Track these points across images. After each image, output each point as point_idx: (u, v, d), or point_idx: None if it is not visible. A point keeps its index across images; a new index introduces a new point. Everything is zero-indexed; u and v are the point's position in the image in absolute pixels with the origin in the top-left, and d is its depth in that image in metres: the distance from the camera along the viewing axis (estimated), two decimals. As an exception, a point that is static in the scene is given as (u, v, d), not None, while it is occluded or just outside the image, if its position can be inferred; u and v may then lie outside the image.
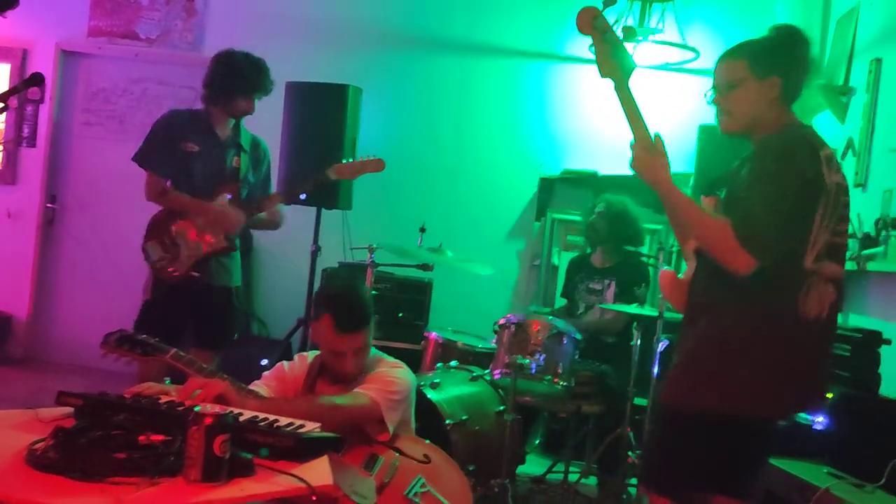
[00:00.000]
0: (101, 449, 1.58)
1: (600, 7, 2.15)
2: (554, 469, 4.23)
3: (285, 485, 1.63)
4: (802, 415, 3.06)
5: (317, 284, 4.80)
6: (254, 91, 3.52)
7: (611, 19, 2.19)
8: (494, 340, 3.84)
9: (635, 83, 2.21)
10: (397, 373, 2.51)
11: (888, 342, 3.30)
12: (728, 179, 2.26)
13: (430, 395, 3.33)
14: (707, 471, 2.14)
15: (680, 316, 2.41)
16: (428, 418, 3.12)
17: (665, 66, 5.22)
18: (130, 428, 1.68)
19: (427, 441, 2.58)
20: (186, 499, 1.52)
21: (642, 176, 2.17)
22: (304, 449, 1.77)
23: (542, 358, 3.55)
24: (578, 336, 3.74)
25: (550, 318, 3.78)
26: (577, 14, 2.14)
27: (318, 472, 1.72)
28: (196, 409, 1.62)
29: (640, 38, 4.97)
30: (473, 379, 3.62)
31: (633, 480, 3.67)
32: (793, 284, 2.07)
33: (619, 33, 2.19)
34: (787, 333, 2.09)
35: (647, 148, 2.15)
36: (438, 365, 3.82)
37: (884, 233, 3.61)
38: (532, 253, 5.61)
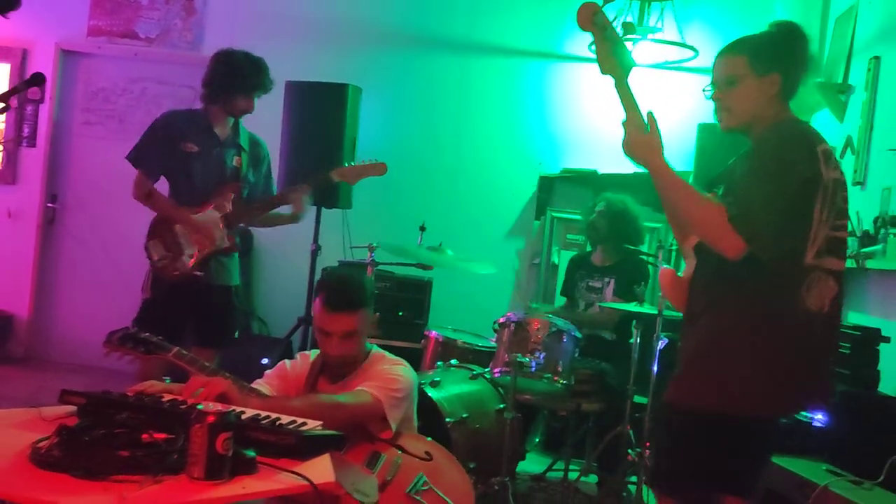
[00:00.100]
0: (104, 447, 1.59)
1: (600, 3, 2.14)
2: (554, 467, 4.24)
3: (288, 482, 1.64)
4: (802, 412, 3.07)
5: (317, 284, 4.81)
6: (253, 90, 3.52)
7: (610, 15, 2.17)
8: (494, 339, 3.85)
9: (634, 82, 2.20)
10: (399, 370, 2.52)
11: (887, 340, 3.30)
12: (726, 176, 2.25)
13: (431, 393, 3.34)
14: (714, 471, 2.13)
15: (679, 314, 2.41)
16: (428, 416, 3.12)
17: (664, 65, 5.23)
18: (133, 426, 1.69)
19: (429, 438, 2.58)
20: (189, 496, 1.52)
21: (634, 155, 2.14)
22: (307, 447, 1.78)
23: (541, 356, 3.56)
24: (578, 334, 3.75)
25: (550, 316, 3.78)
26: (577, 10, 2.13)
27: (321, 469, 1.73)
28: (199, 407, 1.63)
29: (639, 36, 4.97)
30: (473, 377, 3.63)
31: (633, 478, 3.68)
32: (794, 280, 2.07)
33: (619, 30, 2.16)
34: (790, 330, 2.08)
35: (640, 126, 2.12)
36: (438, 363, 3.83)
37: (883, 231, 3.62)
38: (532, 251, 5.62)
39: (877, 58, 4.07)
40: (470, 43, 5.68)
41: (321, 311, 2.50)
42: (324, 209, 4.90)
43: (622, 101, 2.14)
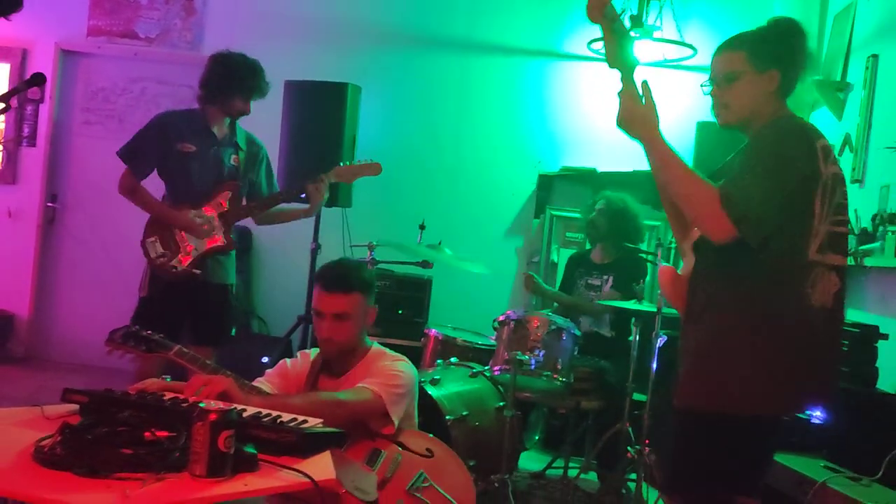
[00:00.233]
0: (107, 445, 1.59)
1: None
2: (553, 465, 4.25)
3: (289, 480, 1.65)
4: (806, 411, 3.05)
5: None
6: (250, 93, 3.53)
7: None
8: (494, 337, 3.86)
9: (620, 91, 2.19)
10: (399, 366, 2.53)
11: (885, 337, 3.32)
12: (723, 172, 2.22)
13: (431, 391, 3.35)
14: (725, 472, 2.11)
15: (677, 312, 2.40)
16: (428, 414, 3.13)
17: (663, 63, 5.24)
18: (136, 424, 1.69)
19: (430, 435, 2.59)
20: (192, 493, 1.53)
21: (628, 127, 2.10)
22: (308, 444, 1.79)
23: (541, 354, 3.58)
24: (577, 332, 3.76)
25: (549, 314, 3.79)
26: (587, 1, 2.06)
27: (322, 467, 1.74)
28: (201, 405, 1.64)
29: (645, 29, 4.97)
30: (473, 375, 3.64)
31: (632, 475, 3.69)
32: (798, 276, 2.05)
33: (626, 23, 2.12)
34: (793, 328, 2.06)
35: (635, 98, 2.08)
36: (438, 361, 3.84)
37: (881, 228, 3.63)
38: (531, 250, 5.63)
39: (875, 56, 4.08)
40: (469, 42, 5.69)
41: (316, 291, 2.55)
42: (323, 208, 4.90)
43: (622, 78, 2.09)
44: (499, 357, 3.69)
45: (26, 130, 5.81)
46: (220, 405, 1.67)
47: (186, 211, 3.51)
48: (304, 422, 1.89)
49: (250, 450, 1.68)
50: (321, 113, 4.82)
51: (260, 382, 2.49)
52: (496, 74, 5.69)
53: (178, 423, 1.69)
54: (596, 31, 5.31)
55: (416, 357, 3.89)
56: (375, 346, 2.65)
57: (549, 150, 5.63)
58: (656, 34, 5.07)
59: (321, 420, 1.92)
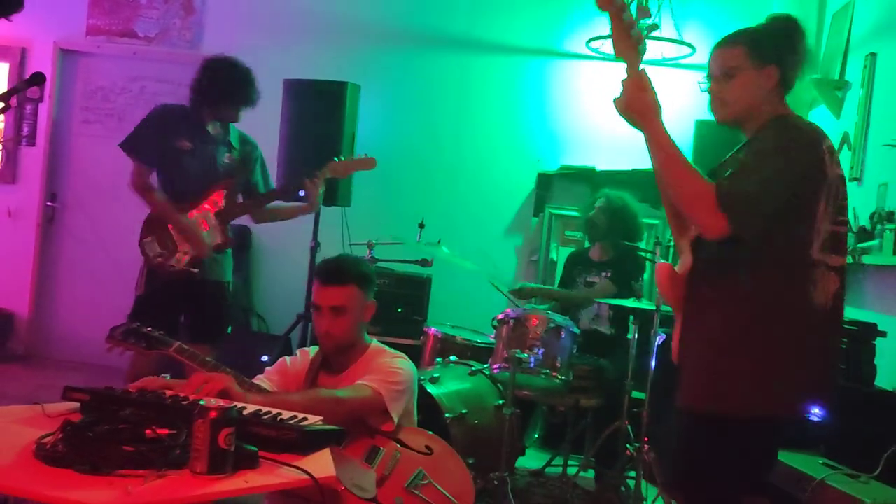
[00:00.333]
0: (108, 442, 1.60)
1: None
2: (553, 462, 4.26)
3: (289, 477, 1.66)
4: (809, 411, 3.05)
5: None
6: (238, 104, 3.54)
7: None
8: (493, 335, 3.87)
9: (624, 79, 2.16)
10: (399, 363, 2.54)
11: (883, 334, 3.32)
12: (720, 170, 2.20)
13: (430, 389, 3.36)
14: (730, 473, 2.09)
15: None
16: (428, 412, 3.14)
17: (661, 62, 5.25)
18: (137, 422, 1.70)
19: (430, 432, 2.60)
20: (192, 490, 1.54)
21: (629, 114, 2.07)
22: (308, 442, 1.80)
23: (540, 352, 3.59)
24: (576, 330, 3.77)
25: (548, 312, 3.80)
26: None
27: (322, 464, 1.75)
28: (201, 402, 1.65)
29: (654, 20, 4.94)
30: (472, 373, 3.65)
31: (632, 473, 3.70)
32: (801, 276, 2.04)
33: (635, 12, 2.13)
34: (798, 327, 2.05)
35: (639, 86, 2.05)
36: (438, 360, 3.86)
37: (879, 226, 3.64)
38: (530, 248, 5.64)
39: (873, 54, 4.09)
40: (469, 40, 5.69)
41: (314, 286, 2.58)
42: (323, 206, 4.91)
43: (628, 67, 2.07)
44: (498, 355, 3.70)
45: (26, 130, 5.81)
46: (221, 403, 1.68)
47: (194, 224, 3.53)
48: (305, 419, 1.90)
49: (252, 448, 1.69)
50: (320, 112, 4.83)
51: (259, 380, 2.50)
52: (495, 73, 5.70)
53: (178, 421, 1.70)
54: (595, 30, 5.35)
55: (415, 355, 3.89)
56: (375, 343, 2.66)
57: (548, 149, 5.63)
58: (655, 33, 5.07)
59: (321, 417, 1.93)
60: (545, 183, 5.54)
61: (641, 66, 2.07)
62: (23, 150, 5.86)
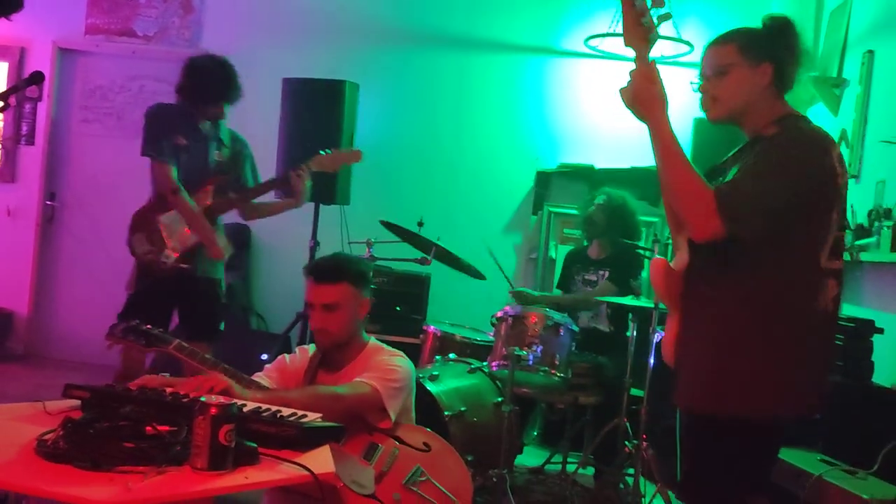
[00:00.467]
0: (109, 439, 1.61)
1: None
2: (552, 460, 4.27)
3: (289, 473, 1.67)
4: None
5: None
6: (220, 100, 3.55)
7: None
8: (492, 333, 3.88)
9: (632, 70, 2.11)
10: (396, 361, 2.54)
11: (881, 331, 3.33)
12: (718, 171, 2.18)
13: (429, 387, 3.36)
14: (736, 473, 2.06)
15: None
16: (427, 410, 3.15)
17: (660, 60, 5.20)
18: (137, 419, 1.71)
19: (428, 429, 2.61)
20: (193, 486, 1.55)
21: (635, 105, 2.03)
22: (307, 438, 1.81)
23: (539, 349, 3.59)
24: (575, 328, 3.78)
25: (547, 310, 3.81)
26: None
27: (321, 460, 1.76)
28: (202, 399, 1.65)
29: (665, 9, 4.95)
30: (471, 371, 3.66)
31: (630, 470, 3.71)
32: (809, 283, 2.01)
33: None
34: (804, 331, 2.02)
35: (648, 78, 2.02)
36: (437, 358, 3.86)
37: (877, 223, 3.65)
38: (529, 246, 5.65)
39: (871, 51, 4.10)
40: (468, 39, 5.70)
41: (308, 284, 2.58)
42: (322, 205, 4.92)
43: (637, 58, 2.04)
44: (497, 353, 3.70)
45: (25, 129, 5.81)
46: (221, 399, 1.69)
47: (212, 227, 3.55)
48: (304, 416, 1.90)
49: (250, 444, 1.69)
50: (319, 110, 4.83)
51: (259, 378, 2.51)
52: (494, 72, 5.70)
53: (179, 418, 1.71)
54: (594, 28, 5.35)
55: (414, 353, 3.90)
56: (373, 341, 2.67)
57: (547, 147, 5.64)
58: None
59: (320, 414, 1.94)
60: (544, 181, 5.55)
61: (651, 58, 2.04)
62: (22, 149, 5.86)
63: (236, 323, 5.44)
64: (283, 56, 5.58)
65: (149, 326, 2.37)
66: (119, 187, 5.60)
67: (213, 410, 1.60)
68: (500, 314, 3.78)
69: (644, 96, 2.03)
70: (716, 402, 2.04)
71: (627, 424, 3.76)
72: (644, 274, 4.40)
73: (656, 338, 3.63)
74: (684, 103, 5.07)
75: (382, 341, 2.71)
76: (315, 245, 4.89)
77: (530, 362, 3.56)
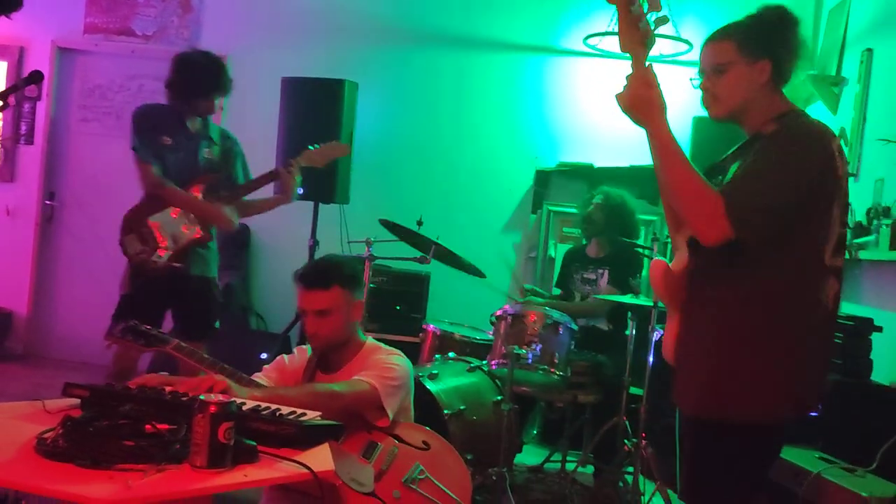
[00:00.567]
0: (109, 437, 1.62)
1: None
2: (551, 458, 4.28)
3: (288, 471, 1.67)
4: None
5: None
6: (210, 93, 3.55)
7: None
8: (491, 331, 3.88)
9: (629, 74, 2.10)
10: (394, 359, 2.55)
11: (879, 329, 3.34)
12: (718, 170, 2.15)
13: (429, 385, 3.37)
14: (742, 476, 2.04)
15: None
16: (426, 409, 3.16)
17: (658, 59, 5.25)
18: (137, 417, 1.72)
19: (427, 428, 2.61)
20: (193, 484, 1.55)
21: (632, 111, 1.98)
22: (306, 436, 1.81)
23: (538, 348, 3.59)
24: (574, 326, 3.78)
25: (546, 308, 3.82)
26: None
27: (320, 458, 1.76)
28: (201, 397, 1.66)
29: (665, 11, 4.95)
30: (471, 370, 3.66)
31: (629, 468, 3.72)
32: (813, 281, 1.99)
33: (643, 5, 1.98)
34: (808, 331, 2.00)
35: (645, 82, 1.96)
36: (436, 356, 3.87)
37: (875, 222, 3.65)
38: (528, 245, 5.65)
39: (869, 50, 4.10)
40: (467, 38, 5.70)
41: (298, 291, 2.57)
42: (321, 204, 4.93)
43: (633, 62, 1.98)
44: (496, 351, 3.71)
45: (24, 128, 5.81)
46: (220, 397, 1.69)
47: (218, 204, 3.56)
48: (303, 414, 1.91)
49: (250, 442, 1.70)
50: (318, 110, 4.83)
51: (258, 378, 2.51)
52: (493, 70, 5.70)
53: (178, 416, 1.71)
54: (592, 26, 5.36)
55: (414, 352, 3.91)
56: (370, 341, 2.67)
57: (546, 146, 5.64)
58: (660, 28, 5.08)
59: (319, 413, 1.94)
60: (543, 180, 5.55)
61: (648, 62, 1.99)
62: (21, 148, 5.87)
63: (236, 323, 5.45)
64: (282, 55, 5.58)
65: (148, 327, 2.38)
66: (118, 187, 5.56)
67: (213, 409, 1.61)
68: (499, 313, 3.78)
69: (642, 101, 1.98)
70: (719, 406, 2.02)
71: (626, 423, 3.76)
72: (644, 273, 4.40)
73: (655, 336, 3.63)
74: (683, 101, 5.09)
75: (382, 340, 2.71)
76: (314, 244, 4.89)
77: (529, 361, 3.56)
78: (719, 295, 2.04)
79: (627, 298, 3.83)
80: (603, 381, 4.03)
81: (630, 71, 1.99)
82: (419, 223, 3.95)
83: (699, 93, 2.18)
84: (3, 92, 2.66)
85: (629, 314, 3.87)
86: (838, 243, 2.02)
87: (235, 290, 5.53)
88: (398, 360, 2.55)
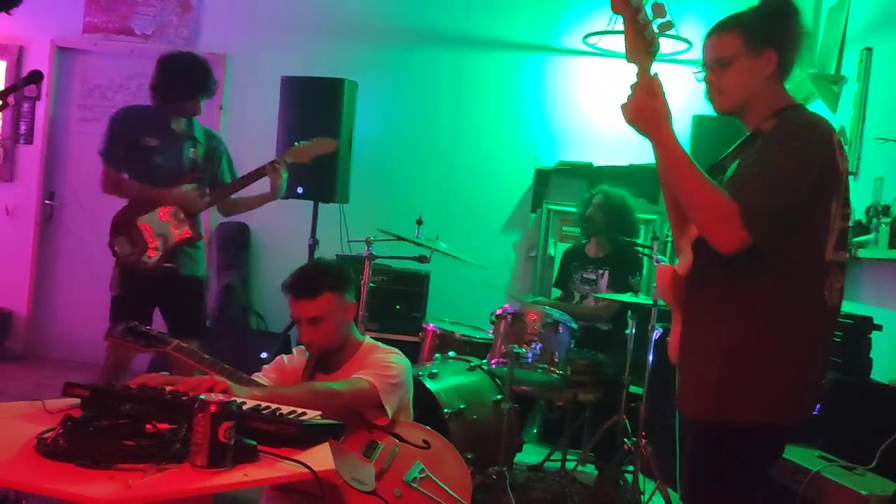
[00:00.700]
0: (109, 437, 1.62)
1: None
2: (551, 457, 4.28)
3: (288, 470, 1.67)
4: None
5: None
6: (195, 95, 3.56)
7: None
8: (491, 330, 3.88)
9: (629, 74, 2.05)
10: (392, 357, 2.56)
11: (879, 328, 3.33)
12: (720, 168, 2.13)
13: (429, 384, 3.37)
14: (745, 477, 2.03)
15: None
16: (426, 408, 3.16)
17: (658, 57, 5.25)
18: (137, 417, 1.72)
19: (427, 427, 2.61)
20: (193, 483, 1.55)
21: (637, 121, 1.94)
22: (307, 436, 1.81)
23: (538, 347, 3.59)
24: (574, 325, 3.78)
25: (546, 307, 3.82)
26: None
27: (321, 458, 1.76)
28: (201, 396, 1.66)
29: (669, 18, 4.95)
30: (471, 369, 3.67)
31: (629, 467, 3.72)
32: (817, 278, 1.96)
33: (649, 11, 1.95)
34: (814, 330, 1.99)
35: (650, 92, 1.93)
36: (436, 355, 3.87)
37: (875, 220, 3.65)
38: (528, 244, 5.65)
39: (869, 48, 4.10)
40: (466, 37, 5.70)
41: (289, 300, 2.57)
42: (321, 204, 4.93)
43: (638, 71, 1.96)
44: (496, 350, 3.71)
45: (23, 128, 5.81)
46: (221, 397, 1.69)
47: (174, 188, 3.55)
48: (304, 414, 1.91)
49: (250, 441, 1.70)
50: (318, 109, 4.83)
51: (257, 378, 2.51)
52: (493, 69, 5.70)
53: (178, 416, 1.71)
54: (591, 25, 5.36)
55: (414, 351, 3.91)
56: (368, 340, 2.67)
57: (545, 145, 5.64)
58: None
59: (319, 412, 1.94)
60: (543, 179, 5.55)
61: (654, 71, 1.96)
62: (20, 148, 5.87)
63: (236, 322, 5.45)
64: (282, 54, 5.58)
65: (148, 327, 2.38)
66: (118, 186, 5.58)
67: (213, 408, 1.61)
68: (499, 312, 3.78)
69: (647, 111, 1.94)
70: (720, 407, 1.99)
71: (626, 421, 3.76)
72: (644, 271, 4.41)
73: (655, 335, 3.64)
74: (683, 100, 5.11)
75: (382, 339, 2.72)
76: (314, 243, 4.90)
77: (529, 360, 3.56)
78: (723, 296, 2.01)
79: (627, 297, 3.83)
80: (603, 380, 4.03)
81: (634, 79, 1.96)
82: (419, 222, 3.96)
83: (699, 92, 2.15)
84: (2, 91, 2.66)
85: (629, 313, 3.87)
86: (840, 238, 2.00)
87: (235, 289, 5.54)
88: (396, 359, 2.56)
